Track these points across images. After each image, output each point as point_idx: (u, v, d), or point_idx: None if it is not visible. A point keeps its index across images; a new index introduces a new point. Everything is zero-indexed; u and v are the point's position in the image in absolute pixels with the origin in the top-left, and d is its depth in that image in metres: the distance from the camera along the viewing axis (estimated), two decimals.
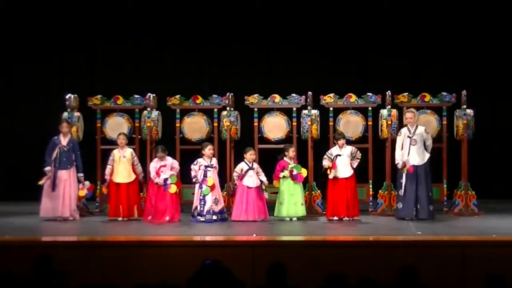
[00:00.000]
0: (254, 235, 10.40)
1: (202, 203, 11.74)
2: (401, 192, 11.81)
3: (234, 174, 12.11)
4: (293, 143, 12.65)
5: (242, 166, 12.04)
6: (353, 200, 11.86)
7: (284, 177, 11.94)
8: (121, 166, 12.08)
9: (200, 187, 11.77)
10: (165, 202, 11.77)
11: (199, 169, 11.83)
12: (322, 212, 12.25)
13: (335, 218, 11.81)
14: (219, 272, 6.18)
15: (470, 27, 14.79)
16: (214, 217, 11.70)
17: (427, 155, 11.83)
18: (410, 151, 11.78)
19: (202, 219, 11.67)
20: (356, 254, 8.90)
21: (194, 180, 11.87)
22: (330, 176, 11.85)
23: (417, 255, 8.72)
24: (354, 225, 11.57)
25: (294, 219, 11.89)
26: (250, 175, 12.00)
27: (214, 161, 11.98)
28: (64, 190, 11.89)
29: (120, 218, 11.98)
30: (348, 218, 11.75)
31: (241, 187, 12.00)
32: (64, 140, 12.04)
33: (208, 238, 10.31)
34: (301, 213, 11.96)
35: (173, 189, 11.77)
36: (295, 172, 11.91)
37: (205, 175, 11.79)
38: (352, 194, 11.87)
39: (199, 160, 11.86)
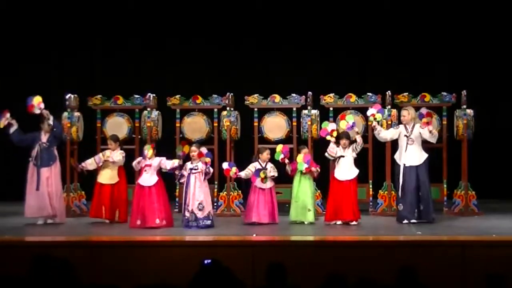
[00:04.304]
0: (254, 235, 10.40)
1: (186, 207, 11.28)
2: (402, 193, 11.56)
3: (247, 171, 11.66)
4: (293, 143, 12.66)
5: (255, 165, 11.72)
6: (356, 203, 11.64)
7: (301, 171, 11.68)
8: (107, 168, 11.98)
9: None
10: (152, 205, 11.31)
11: (187, 173, 11.28)
12: (322, 212, 12.22)
13: (339, 222, 11.53)
14: (219, 272, 6.17)
15: (470, 27, 14.79)
16: (198, 223, 11.10)
17: (425, 155, 11.66)
18: (407, 150, 11.60)
19: (186, 224, 11.18)
20: (356, 254, 8.89)
21: (182, 180, 11.47)
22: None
23: (417, 255, 8.72)
24: (353, 225, 11.53)
25: (306, 222, 11.62)
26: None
27: (201, 164, 11.24)
28: (48, 188, 11.66)
29: (105, 220, 11.81)
30: (355, 222, 11.45)
31: (254, 188, 11.70)
32: (44, 137, 11.80)
33: (208, 238, 10.30)
34: (305, 218, 11.63)
35: (149, 153, 11.35)
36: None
37: (188, 178, 11.24)
38: (355, 197, 11.65)
39: (187, 163, 11.38)
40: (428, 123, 11.56)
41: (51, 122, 11.82)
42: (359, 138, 11.71)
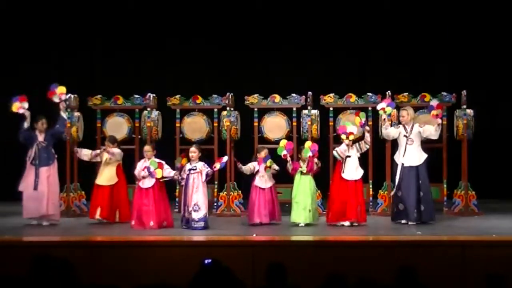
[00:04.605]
0: (254, 235, 10.40)
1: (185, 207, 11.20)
2: (399, 192, 11.51)
3: (247, 167, 11.60)
4: (293, 143, 12.65)
5: (254, 164, 11.64)
6: (363, 204, 11.58)
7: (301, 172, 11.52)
8: (105, 168, 11.91)
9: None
10: (148, 207, 11.27)
11: (185, 172, 11.21)
12: (322, 212, 12.20)
13: (346, 223, 11.38)
14: (219, 272, 6.17)
15: (470, 26, 14.78)
16: (194, 224, 11.00)
17: (424, 155, 11.61)
18: (407, 150, 11.58)
19: (183, 225, 11.16)
20: (356, 254, 8.90)
21: (182, 183, 11.42)
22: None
23: (417, 255, 8.72)
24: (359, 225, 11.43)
25: (301, 224, 11.36)
26: (261, 175, 11.59)
27: (200, 165, 11.17)
28: (49, 187, 11.60)
29: (99, 217, 11.74)
30: (357, 224, 11.34)
31: (253, 188, 11.62)
32: (40, 136, 11.72)
33: (208, 238, 10.30)
34: (305, 220, 11.39)
35: (159, 173, 11.24)
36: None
37: (187, 179, 11.15)
38: (362, 198, 11.62)
39: (186, 164, 11.26)
40: (437, 115, 11.54)
41: (64, 116, 11.85)
42: (368, 137, 11.67)
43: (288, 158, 11.60)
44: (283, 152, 11.54)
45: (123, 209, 11.90)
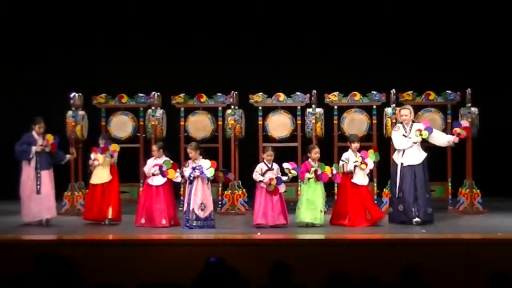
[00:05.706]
0: (259, 233, 10.39)
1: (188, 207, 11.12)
2: (400, 193, 11.32)
3: (255, 174, 11.33)
4: (297, 141, 12.64)
5: (262, 166, 11.38)
6: (373, 204, 11.62)
7: (309, 179, 11.24)
8: (100, 167, 11.78)
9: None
10: (160, 205, 11.29)
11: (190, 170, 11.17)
12: (327, 211, 12.15)
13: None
14: (224, 271, 6.18)
15: (475, 25, 14.75)
16: (199, 223, 10.99)
17: (424, 155, 11.43)
18: (406, 151, 11.40)
19: (187, 224, 11.08)
20: (360, 253, 8.90)
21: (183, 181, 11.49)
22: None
23: (421, 254, 8.71)
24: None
25: (317, 224, 11.21)
26: (268, 176, 11.33)
27: (203, 163, 11.14)
28: (51, 190, 11.61)
29: (99, 222, 11.63)
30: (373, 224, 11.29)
31: (260, 189, 11.38)
32: (40, 140, 11.60)
33: (212, 237, 10.29)
34: (319, 221, 11.22)
35: (171, 174, 11.25)
36: (319, 172, 11.22)
37: (193, 177, 11.07)
38: (372, 199, 11.74)
39: (189, 161, 11.25)
40: (459, 134, 11.51)
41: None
42: (372, 165, 11.56)
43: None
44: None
45: (115, 206, 11.70)
